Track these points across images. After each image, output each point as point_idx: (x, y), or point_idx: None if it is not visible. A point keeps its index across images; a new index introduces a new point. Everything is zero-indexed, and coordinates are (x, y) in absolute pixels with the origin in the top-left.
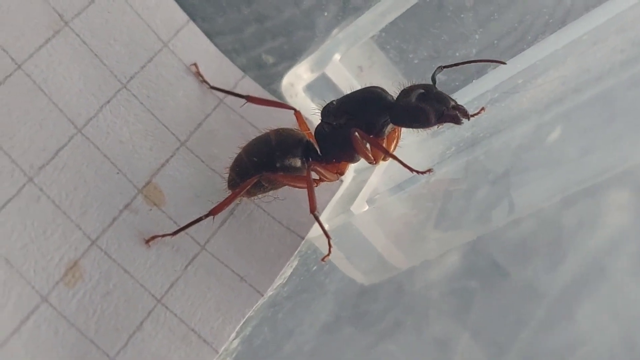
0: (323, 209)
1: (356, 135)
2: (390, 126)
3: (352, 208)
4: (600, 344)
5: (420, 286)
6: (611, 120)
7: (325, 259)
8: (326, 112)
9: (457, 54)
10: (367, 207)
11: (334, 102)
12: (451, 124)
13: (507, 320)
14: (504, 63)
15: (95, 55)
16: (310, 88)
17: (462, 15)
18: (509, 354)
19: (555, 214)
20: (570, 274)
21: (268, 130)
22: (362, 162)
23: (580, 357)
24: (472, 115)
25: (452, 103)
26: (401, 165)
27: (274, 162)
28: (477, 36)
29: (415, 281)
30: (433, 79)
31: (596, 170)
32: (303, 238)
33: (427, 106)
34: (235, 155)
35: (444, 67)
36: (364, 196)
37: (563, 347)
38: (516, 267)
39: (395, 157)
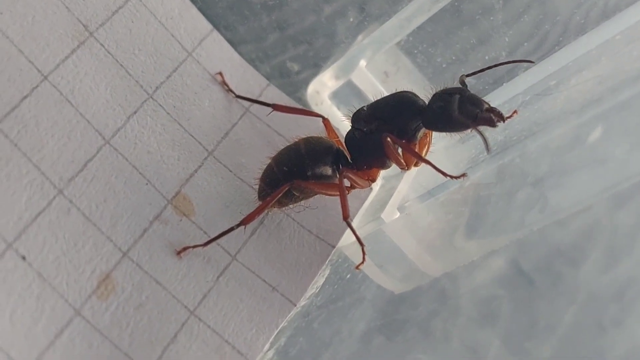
0: (353, 217)
1: (388, 141)
2: (422, 131)
3: (383, 215)
4: None
5: (458, 292)
6: None
7: (359, 267)
8: (357, 117)
9: (487, 57)
10: (397, 215)
11: (365, 108)
12: (486, 127)
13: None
14: (532, 62)
15: (121, 65)
16: (336, 95)
17: (491, 18)
18: None
19: (605, 213)
20: (625, 276)
21: (297, 139)
22: (390, 170)
23: None
24: (507, 118)
25: (486, 105)
26: (432, 171)
27: (304, 170)
28: (506, 38)
29: (458, 286)
30: (464, 84)
31: None
32: (334, 247)
33: (462, 109)
34: (264, 166)
35: (468, 75)
36: (394, 203)
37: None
38: (564, 269)
39: (428, 162)
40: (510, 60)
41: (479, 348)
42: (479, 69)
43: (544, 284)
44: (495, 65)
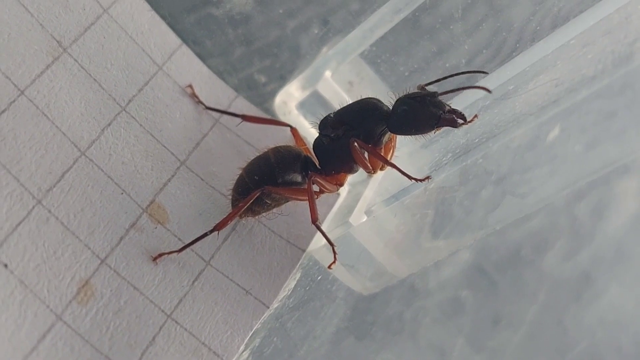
0: (322, 221)
1: (355, 145)
2: (387, 135)
3: (351, 219)
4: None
5: (424, 293)
6: (612, 115)
7: (332, 266)
8: (324, 124)
9: (447, 65)
10: (365, 218)
11: (332, 115)
12: (448, 129)
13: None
14: (486, 73)
15: (94, 79)
16: (302, 105)
17: (450, 27)
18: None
19: (565, 207)
20: (587, 262)
21: (266, 149)
22: (356, 176)
23: None
24: (468, 122)
25: (448, 107)
26: (397, 175)
27: (275, 178)
28: (466, 46)
29: (424, 287)
30: (423, 90)
31: (603, 163)
32: (304, 251)
33: (424, 112)
34: (236, 176)
35: (426, 84)
36: (361, 208)
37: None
38: (525, 269)
39: (394, 165)
40: (467, 70)
41: (444, 347)
42: (437, 78)
43: (505, 283)
44: (452, 75)
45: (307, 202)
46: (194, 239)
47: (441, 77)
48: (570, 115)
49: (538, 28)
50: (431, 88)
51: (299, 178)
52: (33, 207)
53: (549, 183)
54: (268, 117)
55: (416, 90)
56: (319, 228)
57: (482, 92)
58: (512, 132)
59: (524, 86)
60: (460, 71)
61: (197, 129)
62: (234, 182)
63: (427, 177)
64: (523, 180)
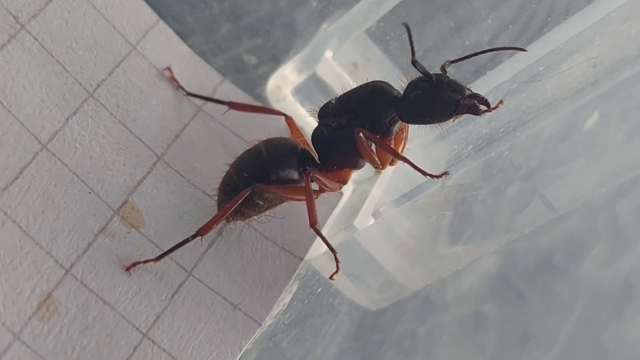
0: (323, 224)
1: (361, 136)
2: (398, 125)
3: (356, 222)
4: None
5: (441, 307)
6: None
7: (334, 276)
8: (324, 112)
9: (467, 43)
10: (372, 221)
11: (333, 101)
12: (469, 117)
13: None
14: (524, 50)
15: (57, 61)
16: (299, 90)
17: None
18: None
19: (605, 206)
20: (630, 270)
21: (257, 141)
22: (362, 172)
23: None
24: (492, 108)
25: (468, 91)
26: (410, 171)
27: (267, 175)
28: (489, 20)
29: (441, 301)
30: (443, 70)
31: None
32: (301, 259)
33: (441, 97)
34: (222, 172)
35: (453, 61)
36: (367, 209)
37: None
38: (557, 279)
39: (406, 159)
40: (500, 47)
41: None
42: (464, 55)
43: (535, 296)
44: (484, 52)
45: (304, 202)
46: (173, 245)
47: (468, 54)
48: (610, 100)
49: None
50: (451, 68)
51: (295, 175)
52: None
53: (585, 178)
54: (259, 104)
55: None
56: (318, 232)
57: (509, 74)
58: (543, 119)
59: (557, 67)
60: (492, 47)
61: (176, 118)
62: (220, 179)
63: (445, 173)
64: (556, 176)
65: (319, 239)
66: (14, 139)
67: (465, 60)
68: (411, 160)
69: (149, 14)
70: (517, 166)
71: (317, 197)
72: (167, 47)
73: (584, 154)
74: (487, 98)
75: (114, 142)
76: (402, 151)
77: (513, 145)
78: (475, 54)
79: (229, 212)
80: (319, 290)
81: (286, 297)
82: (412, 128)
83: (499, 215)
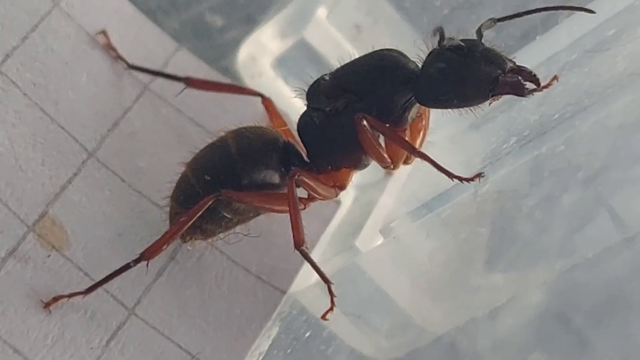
0: (313, 246)
1: (364, 124)
2: (415, 109)
3: (358, 243)
4: None
5: (472, 353)
6: None
7: (327, 316)
8: (315, 92)
9: None
10: (380, 241)
11: (326, 77)
12: (511, 99)
13: None
14: (592, 12)
15: None
16: (281, 62)
17: None
18: None
19: None
20: None
21: (223, 132)
22: (367, 172)
23: None
24: (543, 87)
25: (511, 64)
26: (431, 172)
27: (237, 179)
28: None
29: (473, 347)
30: (479, 35)
31: None
32: (284, 292)
33: (473, 72)
34: (177, 176)
35: (499, 19)
36: (374, 224)
37: None
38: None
39: (425, 157)
40: (560, 6)
41: None
42: (515, 13)
43: (602, 342)
44: (541, 10)
45: (287, 215)
46: (109, 273)
47: (516, 12)
48: None
49: None
50: (490, 31)
51: (275, 178)
52: None
53: None
54: (227, 81)
55: (478, 30)
56: (306, 256)
57: (566, 40)
58: (612, 103)
59: (632, 30)
60: (550, 5)
61: (114, 101)
62: (174, 184)
63: (479, 175)
64: (628, 180)
65: (307, 265)
66: None
67: (511, 21)
68: (433, 158)
69: None
70: (577, 167)
71: (305, 208)
72: (101, 3)
73: None
74: (536, 73)
75: (28, 132)
76: (421, 145)
77: (571, 138)
78: (525, 13)
79: (185, 228)
80: (308, 334)
81: (263, 344)
82: (435, 114)
83: (551, 234)
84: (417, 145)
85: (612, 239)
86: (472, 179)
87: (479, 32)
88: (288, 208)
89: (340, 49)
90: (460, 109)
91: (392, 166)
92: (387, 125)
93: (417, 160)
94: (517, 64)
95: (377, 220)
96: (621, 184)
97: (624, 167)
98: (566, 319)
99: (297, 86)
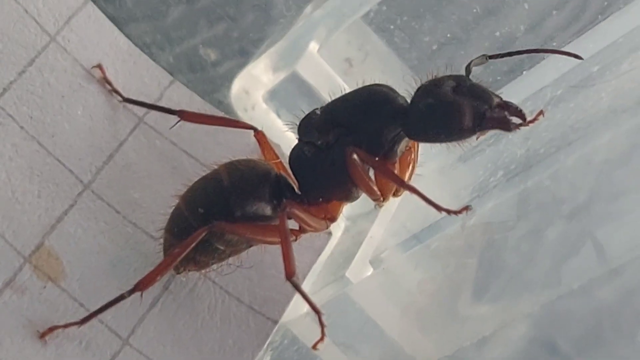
0: (304, 276)
1: (354, 158)
2: (404, 143)
3: (348, 273)
4: None
5: None
6: None
7: (318, 346)
8: (306, 126)
9: (498, 33)
10: (370, 272)
11: (317, 111)
12: (498, 133)
13: None
14: (580, 58)
15: None
16: (274, 95)
17: None
18: None
19: None
20: None
21: (216, 165)
22: (357, 204)
23: None
24: (529, 122)
25: (497, 100)
26: (420, 205)
27: (230, 211)
28: (525, 5)
29: None
30: (467, 70)
31: None
32: (275, 322)
33: (461, 107)
34: (171, 208)
35: (491, 57)
36: (364, 255)
37: None
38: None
39: (414, 190)
40: (548, 49)
41: None
42: (507, 52)
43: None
44: (530, 52)
45: (279, 246)
46: (104, 304)
47: (506, 51)
48: None
49: None
50: (477, 67)
51: (267, 210)
52: None
53: None
54: (220, 114)
55: (467, 66)
56: (297, 287)
57: (552, 75)
58: (596, 138)
59: (615, 67)
60: (538, 48)
61: (109, 134)
62: (168, 216)
63: (466, 208)
64: (613, 212)
65: (298, 295)
66: None
67: (499, 59)
68: (421, 191)
69: None
70: (561, 200)
71: (296, 240)
72: (97, 37)
73: None
74: (522, 108)
75: (25, 165)
76: (410, 178)
77: (556, 172)
78: (516, 53)
79: (179, 259)
80: None
81: None
82: (424, 147)
83: (537, 265)
84: (406, 178)
85: (597, 270)
86: (459, 212)
87: (469, 68)
88: (280, 240)
89: (331, 82)
90: (448, 143)
91: (381, 199)
92: (377, 158)
93: (406, 193)
94: (504, 99)
95: (368, 251)
96: (605, 217)
97: (606, 200)
98: (553, 347)
99: (289, 119)
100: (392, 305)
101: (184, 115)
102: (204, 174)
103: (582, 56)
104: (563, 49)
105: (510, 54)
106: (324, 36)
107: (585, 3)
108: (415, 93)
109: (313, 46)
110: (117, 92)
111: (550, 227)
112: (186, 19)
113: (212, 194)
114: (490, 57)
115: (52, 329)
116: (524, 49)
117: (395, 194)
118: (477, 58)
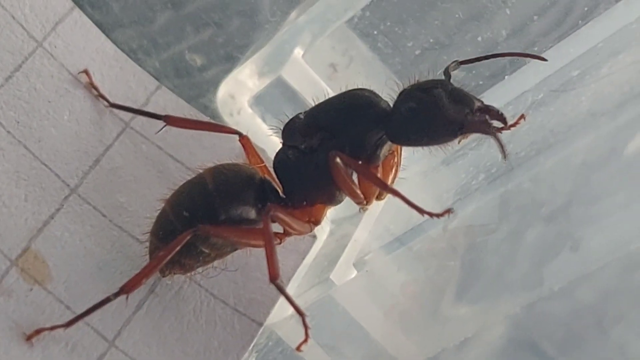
0: (289, 279)
1: (338, 162)
2: (387, 146)
3: (332, 276)
4: None
5: None
6: None
7: (302, 347)
8: (290, 130)
9: (480, 38)
10: (354, 274)
11: (301, 116)
12: (479, 137)
13: None
14: (544, 60)
15: None
16: (259, 100)
17: None
18: None
19: None
20: None
21: (202, 169)
22: (341, 207)
23: None
24: (510, 126)
25: (478, 104)
26: (403, 208)
27: (215, 214)
28: (507, 10)
29: None
30: (446, 75)
31: None
32: (260, 324)
33: (443, 111)
34: (156, 211)
35: (463, 62)
36: (348, 257)
37: None
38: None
39: (397, 193)
40: (520, 52)
41: None
42: (478, 56)
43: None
44: (502, 55)
45: (264, 249)
46: (90, 306)
47: (482, 55)
48: None
49: None
50: (460, 71)
51: (251, 213)
52: None
53: (628, 220)
54: (206, 119)
55: (440, 75)
56: (281, 289)
57: (533, 80)
58: (576, 141)
59: (595, 72)
60: (511, 51)
61: (96, 138)
62: (153, 220)
63: (448, 211)
64: (592, 215)
65: (283, 298)
66: None
67: (477, 63)
68: (404, 194)
69: (61, 0)
70: (541, 203)
71: (280, 243)
72: (84, 43)
73: (625, 187)
74: (503, 112)
75: (11, 169)
76: (392, 182)
77: (536, 174)
78: (485, 58)
79: (164, 262)
80: None
81: None
82: (407, 151)
83: (517, 267)
84: (389, 182)
85: (577, 272)
86: (442, 215)
87: (447, 73)
88: (264, 243)
89: (316, 87)
90: (431, 147)
91: (365, 202)
92: (360, 162)
93: (390, 196)
94: (486, 103)
95: (352, 253)
96: (584, 220)
97: (586, 203)
98: (535, 348)
99: (275, 123)
100: (375, 307)
101: (169, 120)
102: (189, 178)
103: (563, 61)
104: (524, 52)
105: (479, 59)
106: (308, 42)
107: (566, 9)
108: (398, 97)
109: (298, 51)
110: (103, 97)
111: (530, 229)
112: (172, 25)
113: (197, 197)
114: (462, 62)
115: (38, 332)
116: (491, 53)
117: (378, 198)
118: (451, 64)
